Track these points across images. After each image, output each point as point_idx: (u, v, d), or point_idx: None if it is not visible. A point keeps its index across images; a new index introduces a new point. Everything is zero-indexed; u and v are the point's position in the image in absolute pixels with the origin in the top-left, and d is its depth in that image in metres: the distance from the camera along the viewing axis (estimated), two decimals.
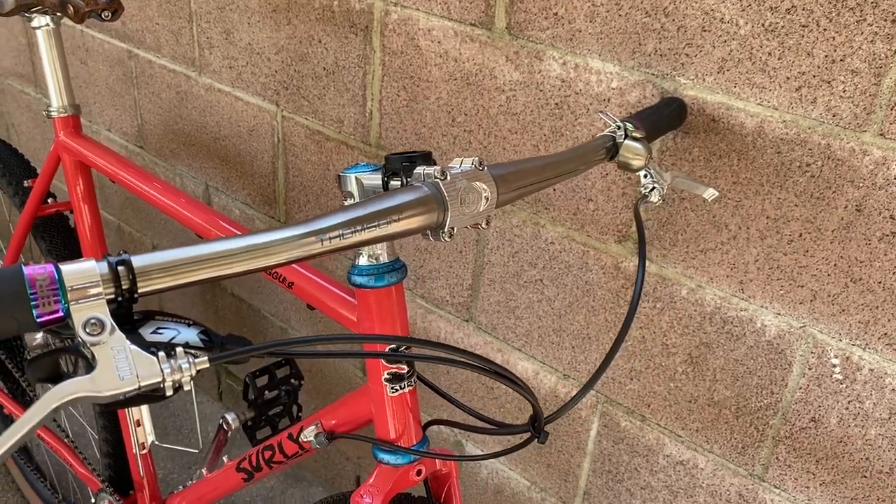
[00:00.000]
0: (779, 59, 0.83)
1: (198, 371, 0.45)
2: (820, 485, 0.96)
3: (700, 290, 0.98)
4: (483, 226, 0.61)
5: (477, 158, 0.60)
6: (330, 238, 0.50)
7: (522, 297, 1.18)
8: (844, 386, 0.90)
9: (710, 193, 0.83)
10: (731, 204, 0.92)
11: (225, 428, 1.18)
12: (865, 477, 0.92)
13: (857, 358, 0.88)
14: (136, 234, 1.94)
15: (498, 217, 1.16)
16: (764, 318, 0.94)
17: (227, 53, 1.44)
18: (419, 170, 0.58)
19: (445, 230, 0.57)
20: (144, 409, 1.14)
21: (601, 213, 1.04)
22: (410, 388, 0.73)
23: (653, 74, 0.93)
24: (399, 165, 0.61)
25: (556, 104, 1.03)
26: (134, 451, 1.12)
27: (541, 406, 0.68)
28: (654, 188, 0.77)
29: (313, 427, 0.82)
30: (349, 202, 0.66)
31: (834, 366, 0.90)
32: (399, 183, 0.61)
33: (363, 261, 0.68)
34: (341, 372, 1.56)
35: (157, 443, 1.15)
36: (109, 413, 1.23)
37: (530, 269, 1.15)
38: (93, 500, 1.32)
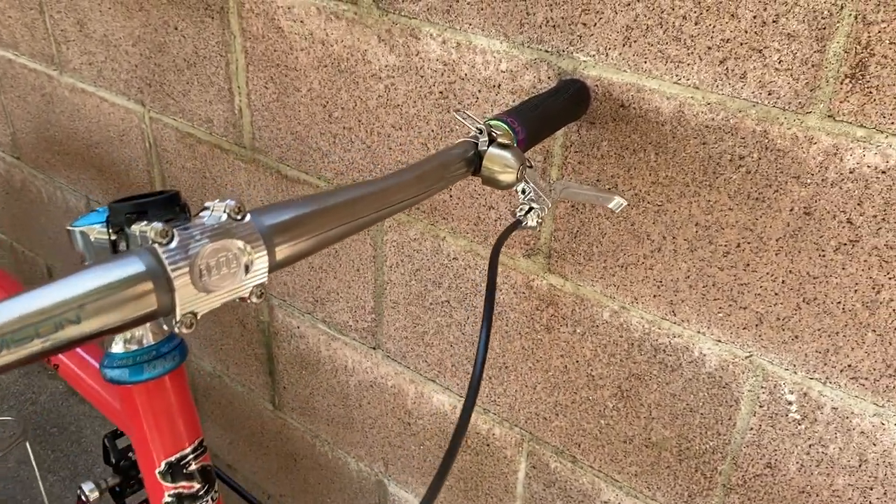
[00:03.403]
0: (696, 23, 0.64)
1: None
2: None
3: (624, 312, 0.80)
4: (253, 300, 0.42)
5: (233, 203, 0.41)
6: None
7: (430, 322, 0.99)
8: (804, 427, 0.73)
9: (616, 203, 0.65)
10: (652, 209, 0.73)
11: (83, 499, 1.00)
12: None
13: (816, 394, 0.70)
14: (29, 253, 1.74)
15: (393, 229, 0.97)
16: (702, 345, 0.76)
17: (85, 48, 1.24)
18: (136, 228, 0.39)
19: (178, 318, 0.39)
20: None
21: (505, 222, 0.85)
22: None
23: (546, 52, 0.74)
24: (123, 218, 0.42)
25: (441, 93, 0.83)
26: None
27: None
28: (531, 209, 0.58)
29: None
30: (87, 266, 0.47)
31: (789, 403, 0.73)
32: (125, 245, 0.42)
33: (116, 347, 0.49)
34: (249, 403, 1.38)
35: None
36: None
37: (435, 290, 0.97)
38: None
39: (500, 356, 0.94)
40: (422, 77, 0.84)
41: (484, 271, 0.90)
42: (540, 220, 0.59)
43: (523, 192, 0.59)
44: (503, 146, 0.56)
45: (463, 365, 0.99)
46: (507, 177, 0.56)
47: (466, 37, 0.78)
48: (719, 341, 0.75)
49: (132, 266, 0.37)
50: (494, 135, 0.56)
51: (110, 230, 0.43)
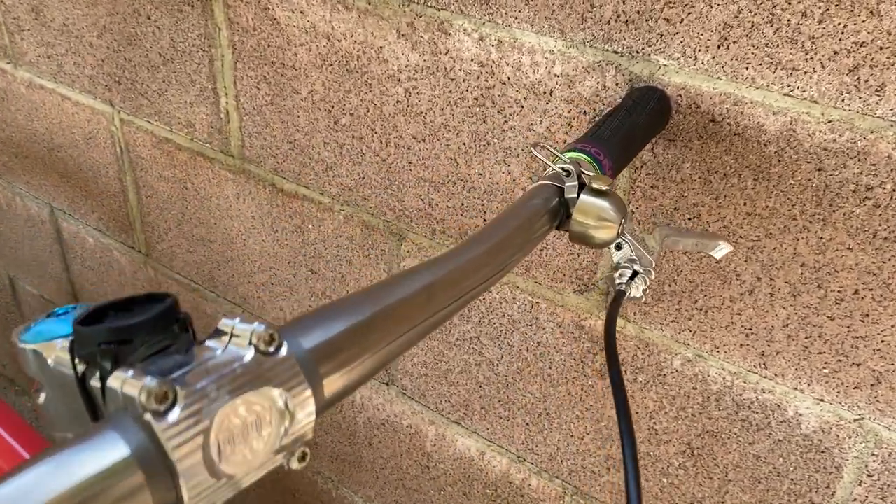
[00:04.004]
0: (820, 21, 0.51)
1: None
2: None
3: (701, 360, 0.67)
4: (293, 467, 0.29)
5: (262, 329, 0.27)
6: None
7: (456, 359, 0.86)
8: None
9: (720, 250, 0.52)
10: (745, 245, 0.60)
11: None
12: None
13: None
14: None
15: (412, 254, 0.84)
16: (799, 403, 0.64)
17: (42, 38, 1.07)
18: (116, 380, 0.25)
19: None
20: None
21: (553, 252, 0.72)
22: None
23: (615, 53, 0.60)
24: (95, 349, 0.28)
25: (476, 99, 0.69)
26: None
27: None
28: (636, 273, 0.45)
29: None
30: (42, 398, 0.33)
31: None
32: (100, 384, 0.28)
33: None
34: None
35: None
36: None
37: (462, 324, 0.83)
38: None
39: (541, 401, 0.81)
40: (452, 80, 0.70)
41: (522, 307, 0.77)
42: (646, 289, 0.45)
43: (618, 247, 0.46)
44: (598, 192, 0.42)
45: (494, 408, 0.86)
46: (606, 233, 0.42)
47: (511, 33, 0.64)
48: (822, 400, 0.62)
49: (111, 450, 0.24)
50: (585, 177, 0.43)
51: (76, 361, 0.29)
